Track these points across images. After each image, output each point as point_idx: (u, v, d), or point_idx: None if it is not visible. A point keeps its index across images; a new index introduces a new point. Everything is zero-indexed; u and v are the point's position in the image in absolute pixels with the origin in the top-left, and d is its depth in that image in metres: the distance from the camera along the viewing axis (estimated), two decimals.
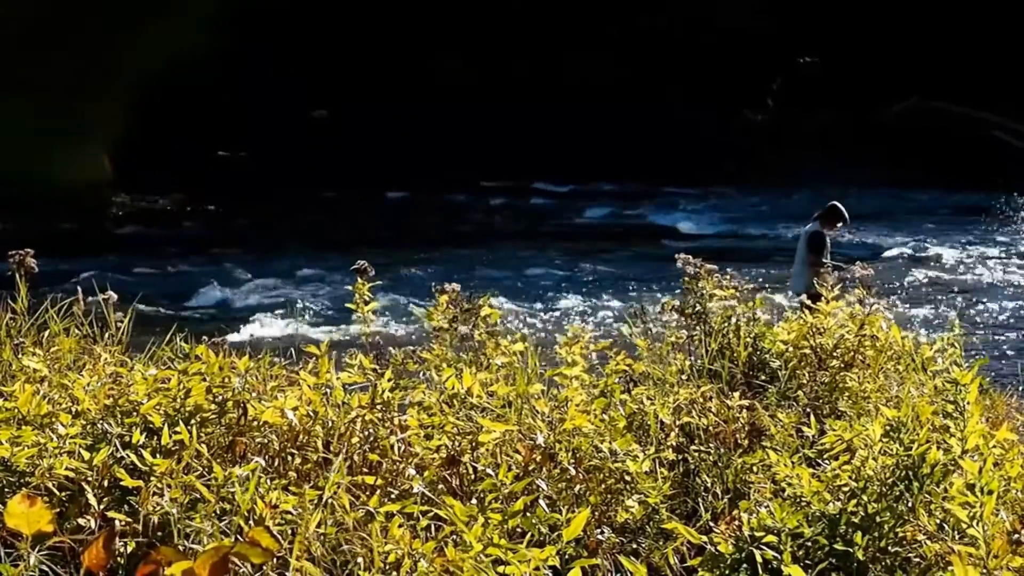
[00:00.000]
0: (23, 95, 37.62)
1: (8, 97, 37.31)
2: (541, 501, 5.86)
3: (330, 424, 6.25)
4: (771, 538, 5.67)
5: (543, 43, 48.45)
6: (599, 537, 6.15)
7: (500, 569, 5.11)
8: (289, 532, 5.35)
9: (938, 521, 5.83)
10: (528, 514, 5.58)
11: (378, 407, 6.33)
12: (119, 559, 5.33)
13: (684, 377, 8.08)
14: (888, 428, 6.08)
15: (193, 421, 5.99)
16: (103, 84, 39.72)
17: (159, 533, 5.43)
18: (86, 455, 5.65)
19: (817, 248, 17.57)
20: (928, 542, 5.77)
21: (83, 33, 39.70)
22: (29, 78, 38.19)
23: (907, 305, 24.88)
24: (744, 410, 7.44)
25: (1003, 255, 31.30)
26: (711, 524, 6.32)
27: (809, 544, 5.72)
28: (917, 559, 5.77)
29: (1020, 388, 11.75)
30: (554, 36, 48.61)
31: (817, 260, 16.91)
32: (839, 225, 18.07)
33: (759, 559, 5.60)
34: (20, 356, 6.82)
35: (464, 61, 47.44)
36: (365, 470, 6.07)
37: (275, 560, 5.13)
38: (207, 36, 41.28)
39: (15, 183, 35.50)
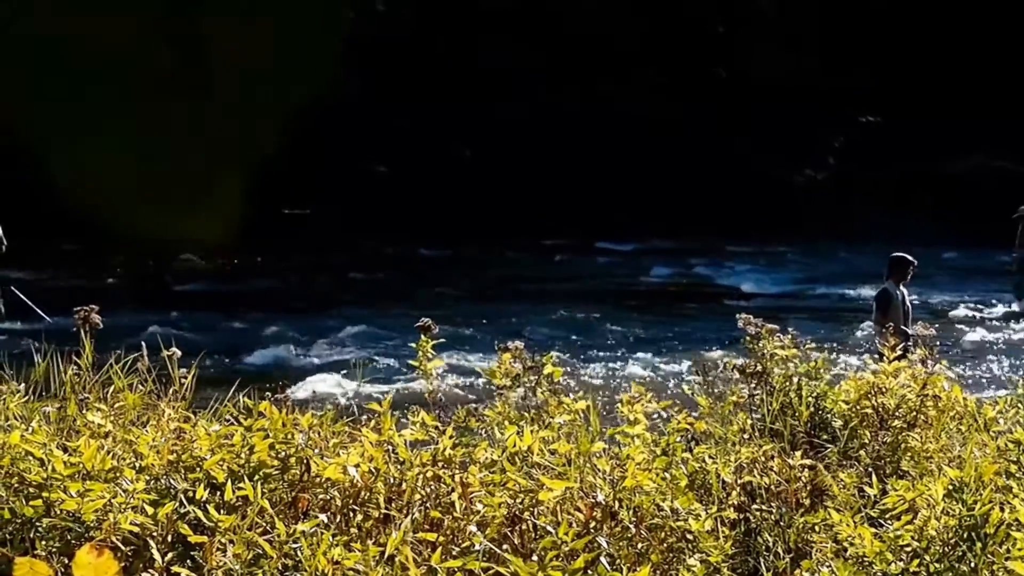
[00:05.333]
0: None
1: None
2: (602, 559, 5.86)
3: (392, 481, 6.27)
4: None
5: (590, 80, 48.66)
6: None
7: None
8: None
9: None
10: (589, 572, 5.57)
11: (440, 464, 6.35)
12: None
13: (746, 436, 8.06)
14: (951, 488, 6.04)
15: (256, 477, 6.02)
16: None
17: None
18: (150, 510, 5.69)
19: (880, 306, 17.41)
20: None
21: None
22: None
23: (970, 364, 24.70)
24: (806, 469, 7.40)
25: None
26: None
27: None
28: None
29: None
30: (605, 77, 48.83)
31: (880, 319, 16.75)
32: (910, 271, 17.71)
33: None
34: (85, 411, 6.88)
35: (523, 98, 47.64)
36: (427, 527, 6.09)
37: None
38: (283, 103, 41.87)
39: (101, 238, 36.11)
